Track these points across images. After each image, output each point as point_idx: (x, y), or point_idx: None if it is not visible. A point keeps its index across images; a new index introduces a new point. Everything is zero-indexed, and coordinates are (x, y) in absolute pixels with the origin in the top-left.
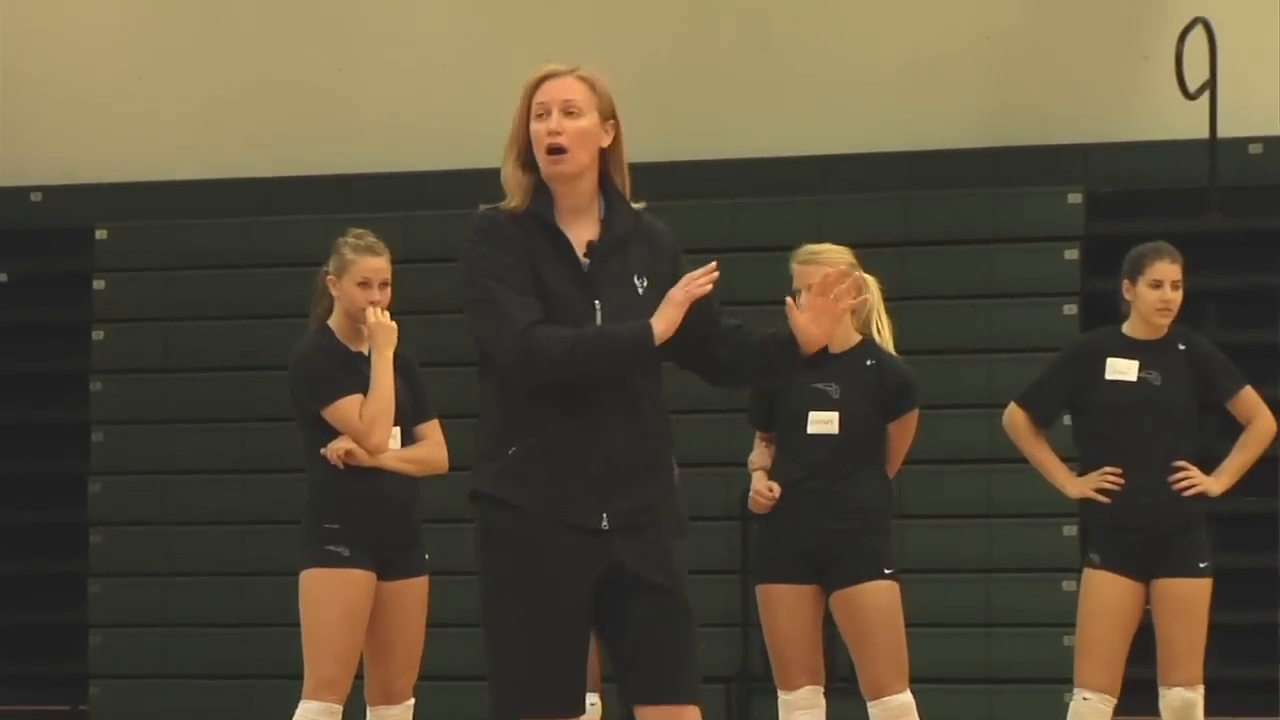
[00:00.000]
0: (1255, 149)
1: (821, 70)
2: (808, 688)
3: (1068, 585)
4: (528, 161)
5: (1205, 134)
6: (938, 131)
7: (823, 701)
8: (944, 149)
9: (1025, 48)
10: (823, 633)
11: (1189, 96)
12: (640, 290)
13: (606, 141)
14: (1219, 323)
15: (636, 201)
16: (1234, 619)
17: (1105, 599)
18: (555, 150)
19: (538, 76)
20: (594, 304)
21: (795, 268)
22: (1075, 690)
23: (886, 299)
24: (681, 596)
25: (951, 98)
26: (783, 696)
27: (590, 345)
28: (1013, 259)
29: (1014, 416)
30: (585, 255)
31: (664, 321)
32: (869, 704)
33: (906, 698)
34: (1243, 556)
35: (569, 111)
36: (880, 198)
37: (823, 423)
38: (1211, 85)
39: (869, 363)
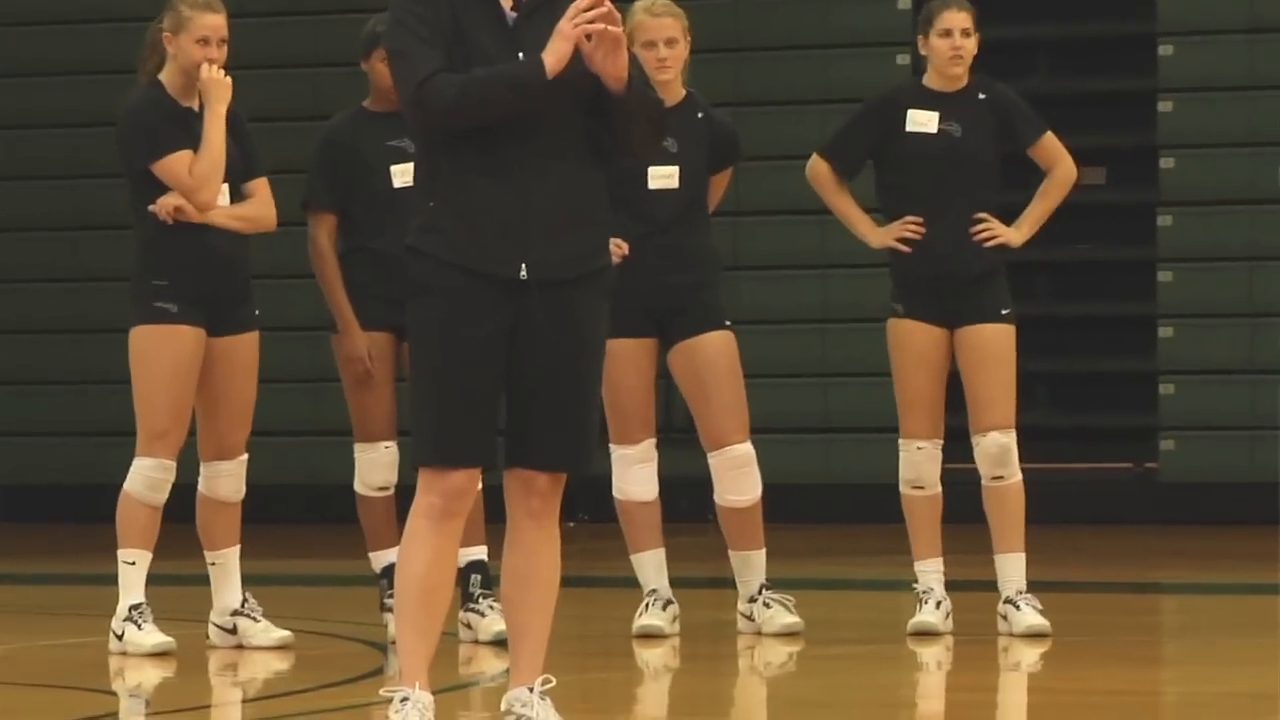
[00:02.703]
0: None
1: None
2: (647, 441)
3: None
4: None
5: None
6: None
7: (655, 454)
8: None
9: None
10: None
11: None
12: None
13: None
14: (1051, 73)
15: None
16: (1111, 367)
17: (917, 346)
18: None
19: None
20: (518, 56)
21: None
22: (903, 441)
23: (717, 50)
24: (581, 362)
25: None
26: (621, 451)
27: (481, 85)
28: (846, 9)
29: (816, 167)
30: (512, 9)
31: (553, 55)
32: (709, 454)
33: (747, 448)
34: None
35: None
36: None
37: (664, 177)
38: None
39: (699, 115)
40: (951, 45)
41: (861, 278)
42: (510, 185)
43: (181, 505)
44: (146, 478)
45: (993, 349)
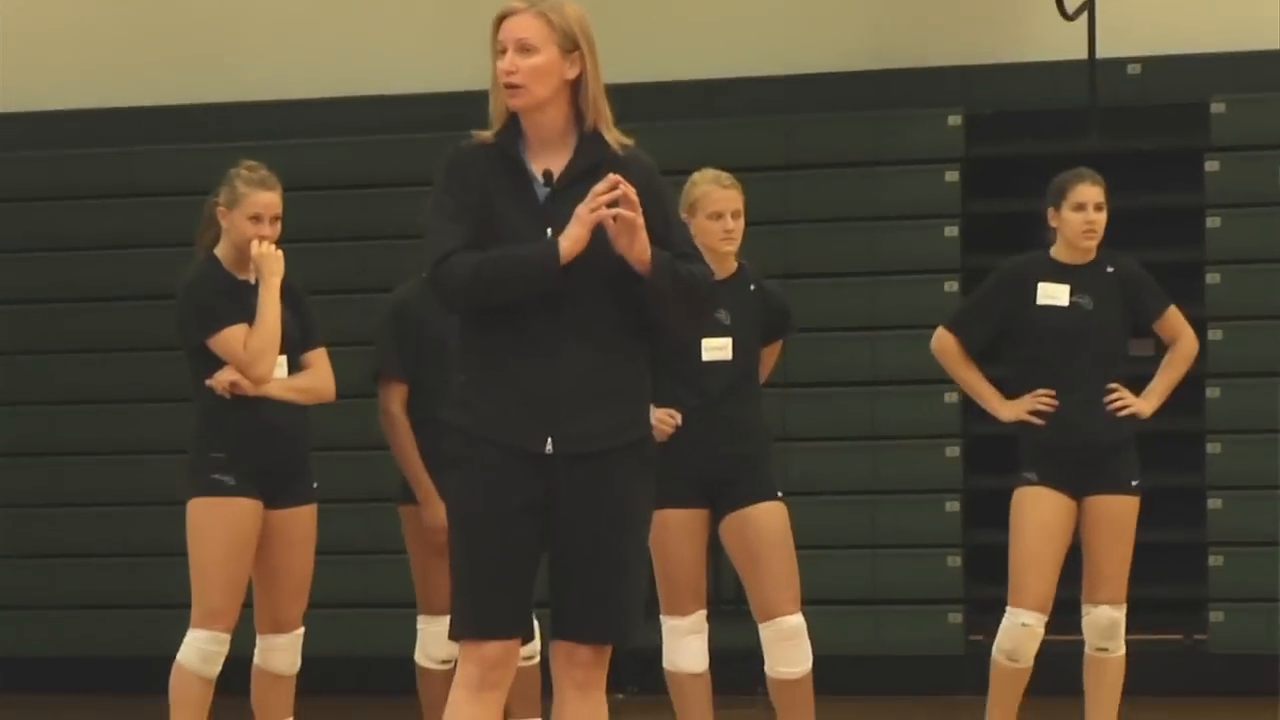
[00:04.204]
0: (1134, 70)
1: None
2: (698, 612)
3: (951, 506)
4: None
5: (1084, 55)
6: (818, 55)
7: (706, 626)
8: (824, 72)
9: None
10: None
11: (1067, 17)
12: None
13: (572, 74)
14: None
15: (627, 132)
16: (1161, 538)
17: (1043, 514)
18: (511, 87)
19: (498, 15)
20: (547, 232)
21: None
22: (1011, 610)
23: (766, 222)
24: (619, 534)
25: (831, 21)
26: (671, 623)
27: (495, 266)
28: (894, 181)
29: (943, 341)
30: (544, 184)
31: (569, 239)
32: (761, 626)
33: (798, 619)
34: (1167, 476)
35: (524, 49)
36: (762, 121)
37: (717, 349)
38: (1090, 6)
39: (751, 287)
40: (1085, 220)
41: (911, 450)
42: (539, 360)
43: (235, 677)
44: (201, 650)
45: (1118, 520)
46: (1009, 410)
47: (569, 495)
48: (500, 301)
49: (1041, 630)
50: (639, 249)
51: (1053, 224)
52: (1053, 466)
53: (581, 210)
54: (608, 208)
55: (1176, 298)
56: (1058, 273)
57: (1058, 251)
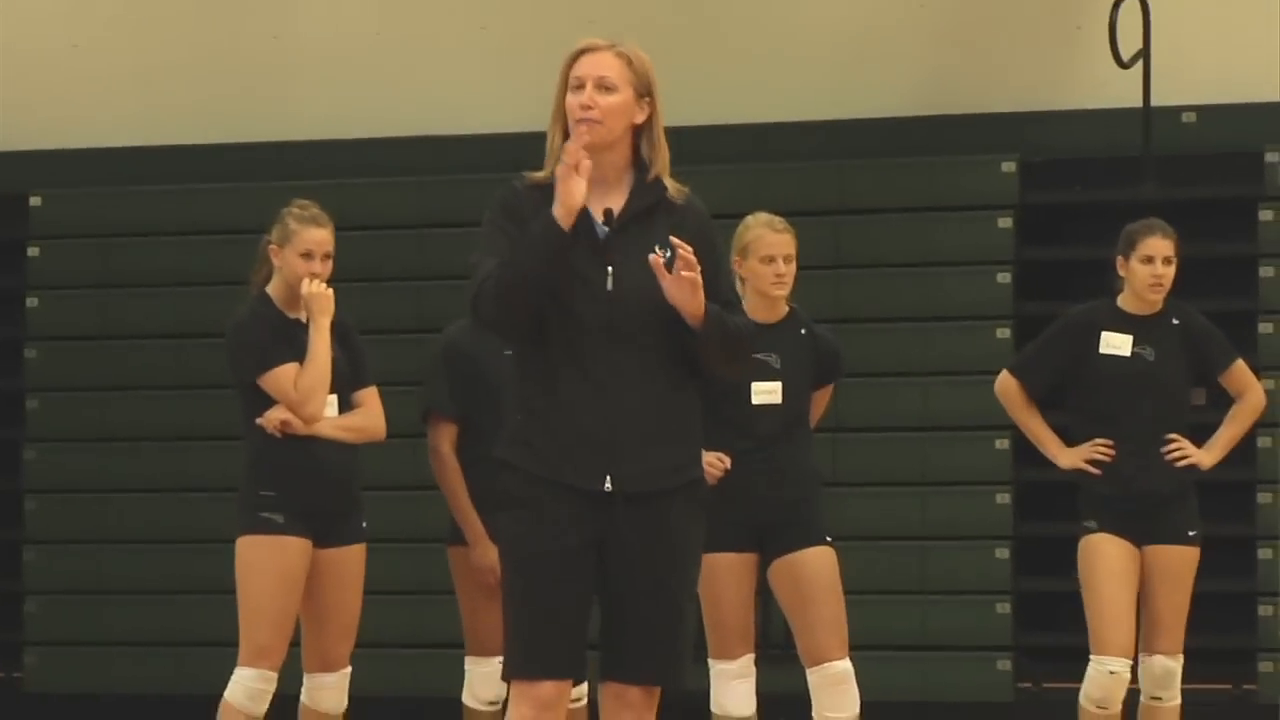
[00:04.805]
0: (1189, 118)
1: (755, 38)
2: (746, 656)
3: (1001, 553)
4: (569, 132)
5: (1139, 103)
6: (872, 100)
7: (754, 670)
8: (878, 117)
9: (959, 16)
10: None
11: (1123, 65)
12: (661, 261)
13: (640, 118)
14: None
15: (679, 174)
16: (1210, 588)
17: (1111, 560)
18: (587, 121)
19: (576, 50)
20: (607, 269)
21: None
22: (1095, 658)
23: (818, 267)
24: (672, 574)
25: (886, 66)
26: (720, 666)
27: (510, 261)
28: (947, 228)
29: (1006, 385)
30: (604, 223)
31: (557, 202)
32: (809, 671)
33: (846, 665)
34: (1217, 527)
35: (604, 86)
36: (814, 166)
37: (767, 393)
38: (1145, 54)
39: (802, 331)
40: (1153, 273)
41: (961, 495)
42: (597, 399)
43: (281, 715)
44: (248, 688)
45: (1176, 570)
46: (1067, 458)
47: (626, 535)
48: (530, 295)
49: (1128, 676)
50: (697, 305)
51: (1120, 273)
52: (1111, 515)
53: (560, 169)
54: (667, 268)
55: (1237, 347)
56: (1122, 322)
57: (1124, 301)
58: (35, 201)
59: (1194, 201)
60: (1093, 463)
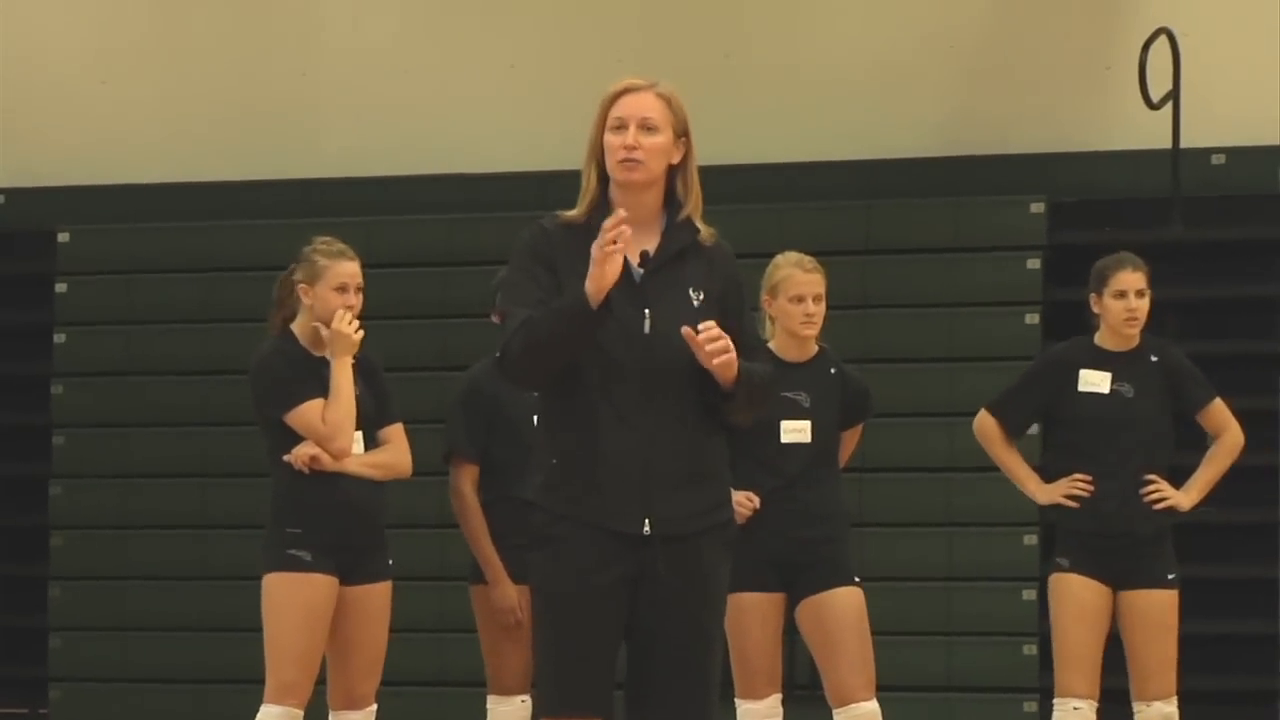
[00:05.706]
0: (1218, 160)
1: (783, 78)
2: (773, 696)
3: (1028, 594)
4: (605, 172)
5: (1168, 144)
6: (900, 140)
7: (781, 710)
8: (906, 158)
9: (988, 57)
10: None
11: (1152, 106)
12: (695, 303)
13: (676, 159)
14: (1180, 334)
15: (708, 219)
16: (1233, 629)
17: (1080, 601)
18: (630, 161)
19: (617, 90)
20: (644, 312)
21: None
22: (1059, 700)
23: (845, 307)
24: (703, 615)
25: (914, 106)
26: (747, 706)
27: (536, 323)
28: (975, 268)
29: (984, 424)
30: (639, 265)
31: (591, 281)
32: (835, 711)
33: (873, 705)
34: (1241, 567)
35: (647, 127)
36: (842, 206)
37: (796, 431)
38: (1174, 95)
39: (831, 371)
40: (1126, 307)
41: (987, 536)
42: (633, 441)
43: None
44: None
45: (1157, 616)
46: (1045, 494)
47: (661, 576)
48: (554, 360)
49: (1093, 715)
50: (729, 374)
51: (1095, 310)
52: (1086, 553)
53: (594, 249)
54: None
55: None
56: (1100, 360)
57: (1101, 338)
58: (63, 237)
59: (1222, 243)
60: (1072, 498)
